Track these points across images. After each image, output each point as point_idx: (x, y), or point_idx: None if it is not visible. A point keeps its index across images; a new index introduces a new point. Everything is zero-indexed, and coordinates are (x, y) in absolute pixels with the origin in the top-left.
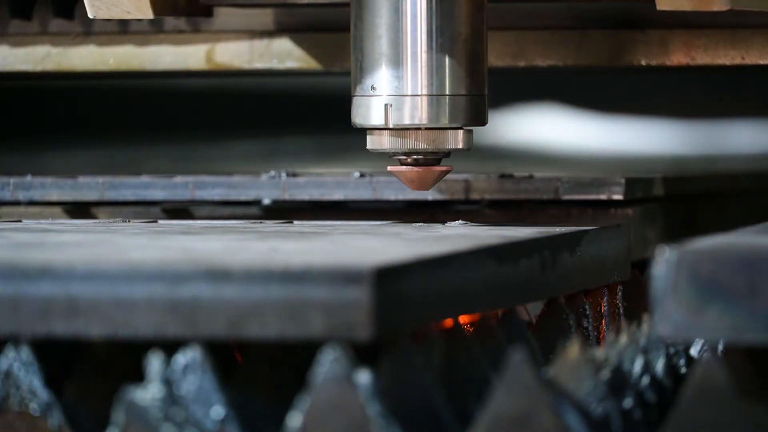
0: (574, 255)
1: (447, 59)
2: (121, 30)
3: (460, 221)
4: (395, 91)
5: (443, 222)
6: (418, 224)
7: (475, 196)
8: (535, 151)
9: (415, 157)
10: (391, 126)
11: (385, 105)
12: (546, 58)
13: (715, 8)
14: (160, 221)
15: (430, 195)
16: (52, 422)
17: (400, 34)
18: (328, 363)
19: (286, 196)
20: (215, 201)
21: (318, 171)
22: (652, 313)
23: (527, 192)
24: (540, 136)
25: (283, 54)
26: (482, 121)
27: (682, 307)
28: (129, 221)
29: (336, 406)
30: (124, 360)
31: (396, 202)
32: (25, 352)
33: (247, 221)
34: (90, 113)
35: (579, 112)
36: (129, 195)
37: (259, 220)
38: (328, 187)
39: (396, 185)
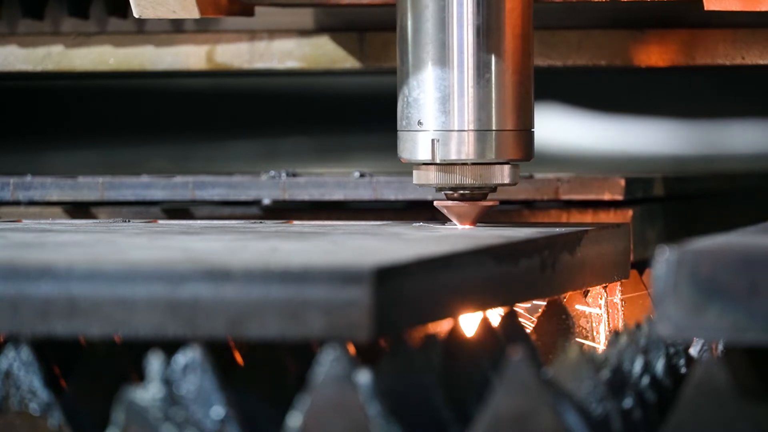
0: (574, 255)
1: (494, 94)
2: (122, 30)
3: None
4: (442, 126)
5: (443, 222)
6: (418, 224)
7: None
8: (536, 151)
9: (461, 192)
10: (437, 161)
11: (432, 140)
12: (546, 58)
13: (764, 8)
14: (160, 221)
15: (430, 195)
16: (52, 422)
17: (447, 69)
18: (328, 363)
19: (286, 196)
20: (215, 201)
21: (318, 171)
22: (652, 313)
23: (527, 192)
24: (540, 136)
25: (283, 54)
26: (529, 156)
27: (682, 307)
28: (129, 221)
29: (336, 406)
30: (123, 360)
31: (396, 202)
32: (25, 352)
33: (247, 221)
34: (90, 113)
35: (579, 112)
36: (129, 195)
37: (259, 220)
38: (328, 187)
39: (396, 185)
